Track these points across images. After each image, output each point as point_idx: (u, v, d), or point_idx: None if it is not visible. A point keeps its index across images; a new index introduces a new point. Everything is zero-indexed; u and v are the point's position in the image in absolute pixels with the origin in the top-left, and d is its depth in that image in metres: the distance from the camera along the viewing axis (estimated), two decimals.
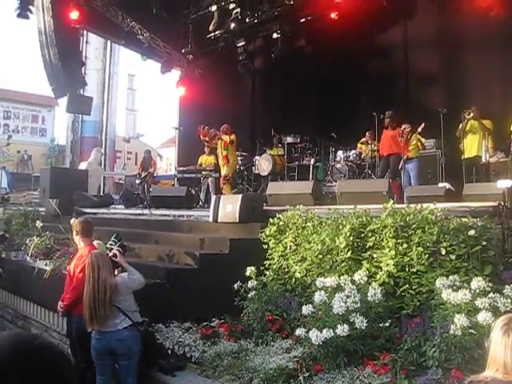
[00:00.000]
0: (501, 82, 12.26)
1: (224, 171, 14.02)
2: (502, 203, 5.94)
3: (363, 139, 13.93)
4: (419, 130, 11.23)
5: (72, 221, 7.15)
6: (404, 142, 11.18)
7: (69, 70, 15.70)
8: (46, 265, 8.17)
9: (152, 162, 16.73)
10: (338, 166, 14.23)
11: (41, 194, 14.75)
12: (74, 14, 14.84)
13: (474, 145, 11.10)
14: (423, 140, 11.70)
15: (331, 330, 4.93)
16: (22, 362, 1.27)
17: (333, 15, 14.63)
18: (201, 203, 13.84)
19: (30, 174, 27.98)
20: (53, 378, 1.30)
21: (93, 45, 30.28)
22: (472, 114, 10.79)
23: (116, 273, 5.64)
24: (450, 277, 5.05)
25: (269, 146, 15.86)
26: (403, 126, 11.30)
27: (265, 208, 8.89)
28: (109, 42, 28.06)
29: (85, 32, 23.51)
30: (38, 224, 9.71)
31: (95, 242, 6.44)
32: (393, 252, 5.67)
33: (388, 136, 11.85)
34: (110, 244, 6.35)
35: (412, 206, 6.16)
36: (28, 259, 8.83)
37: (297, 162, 15.29)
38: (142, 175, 15.69)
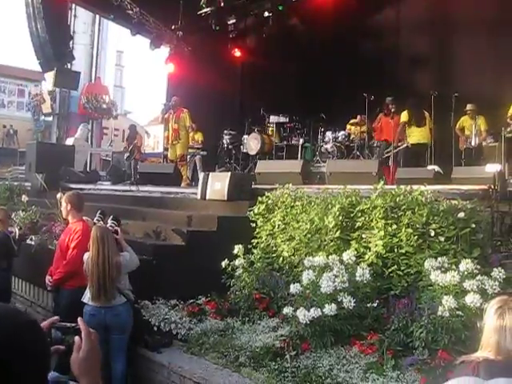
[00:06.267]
0: (492, 64, 12.23)
1: (178, 150, 13.00)
2: (493, 186, 5.93)
3: (353, 120, 13.85)
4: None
5: (58, 195, 7.05)
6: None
7: (56, 43, 15.51)
8: (31, 240, 8.08)
9: (137, 136, 16.55)
10: (327, 146, 14.15)
11: (27, 168, 14.54)
12: None
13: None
14: None
15: (319, 309, 4.93)
16: None
17: None
18: (188, 181, 13.70)
19: (16, 149, 27.55)
20: (22, 350, 1.28)
21: (81, 19, 29.75)
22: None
23: None
24: (439, 258, 5.04)
25: (262, 127, 15.52)
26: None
27: (253, 186, 8.85)
28: (97, 16, 27.64)
29: (73, 6, 23.18)
30: (24, 198, 9.60)
31: (83, 219, 6.37)
32: (382, 233, 5.66)
33: (389, 122, 12.03)
34: (97, 220, 6.30)
35: (402, 187, 6.15)
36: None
37: (285, 142, 15.15)
38: (129, 149, 15.51)
